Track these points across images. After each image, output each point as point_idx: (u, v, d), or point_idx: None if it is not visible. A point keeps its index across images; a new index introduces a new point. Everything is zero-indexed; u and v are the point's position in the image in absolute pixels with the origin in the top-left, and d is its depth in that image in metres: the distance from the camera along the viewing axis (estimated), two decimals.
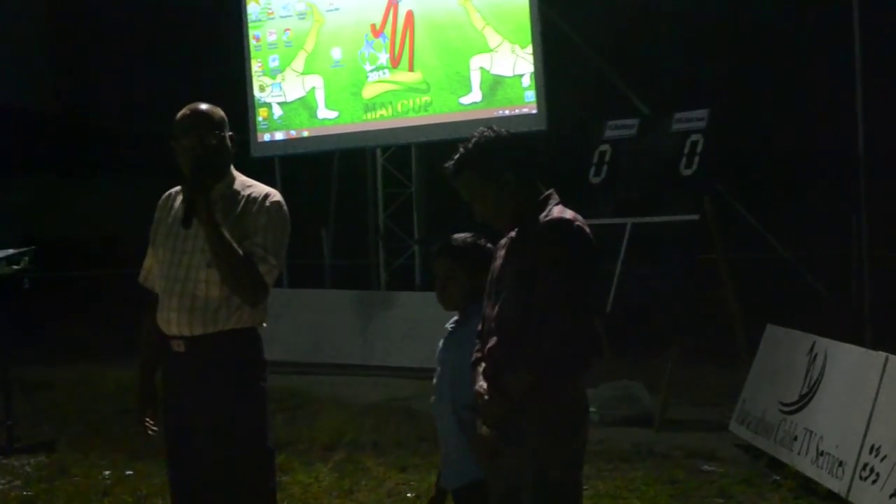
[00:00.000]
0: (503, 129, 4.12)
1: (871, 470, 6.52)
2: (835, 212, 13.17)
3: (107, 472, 8.24)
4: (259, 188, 4.49)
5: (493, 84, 12.84)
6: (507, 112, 12.67)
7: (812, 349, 7.86)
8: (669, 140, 9.93)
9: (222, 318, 4.34)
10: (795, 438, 7.62)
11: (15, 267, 8.98)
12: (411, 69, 13.52)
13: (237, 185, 4.47)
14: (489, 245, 4.37)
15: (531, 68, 12.51)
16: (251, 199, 4.42)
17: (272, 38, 14.64)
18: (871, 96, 10.77)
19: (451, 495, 4.56)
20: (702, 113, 9.78)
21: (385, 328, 13.37)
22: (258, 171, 5.09)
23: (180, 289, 4.36)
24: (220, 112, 4.49)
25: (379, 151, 14.76)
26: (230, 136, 4.51)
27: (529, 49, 12.49)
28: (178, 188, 4.54)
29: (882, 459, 6.45)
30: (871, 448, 6.61)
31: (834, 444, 7.07)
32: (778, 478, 7.54)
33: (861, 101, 10.69)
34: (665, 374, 9.49)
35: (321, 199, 16.02)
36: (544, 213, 3.94)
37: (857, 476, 6.65)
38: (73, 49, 21.76)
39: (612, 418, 9.57)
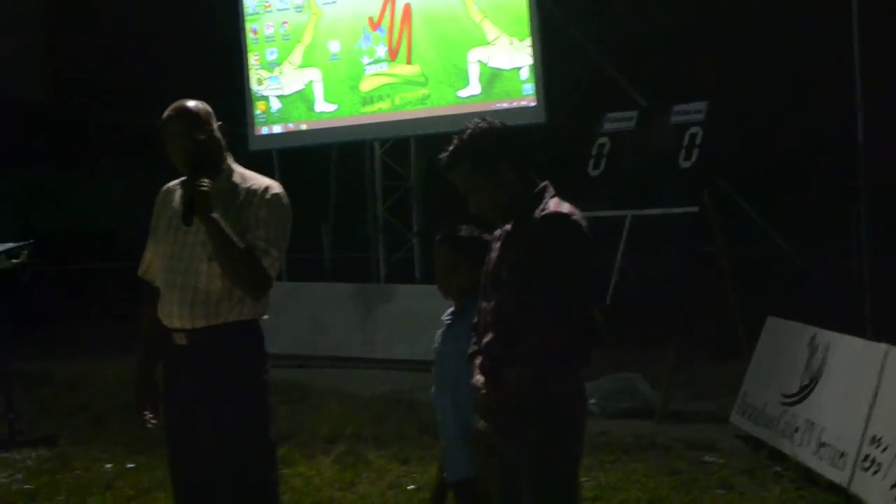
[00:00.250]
0: (497, 121, 4.10)
1: (873, 461, 6.53)
2: (835, 203, 13.16)
3: (108, 466, 8.25)
4: (259, 180, 4.49)
5: (492, 77, 12.82)
6: (505, 105, 12.64)
7: (813, 341, 7.87)
8: (668, 132, 9.94)
9: (224, 310, 4.34)
10: (796, 430, 7.62)
11: (14, 261, 8.98)
12: (409, 62, 13.50)
13: (236, 178, 4.47)
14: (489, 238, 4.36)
15: (529, 61, 12.48)
16: (251, 192, 4.41)
17: (269, 32, 14.61)
18: (871, 88, 10.76)
19: (452, 488, 4.56)
20: (700, 105, 9.79)
21: (385, 321, 13.37)
22: (256, 164, 5.08)
23: (182, 282, 4.36)
24: (205, 107, 4.49)
25: (377, 144, 14.73)
26: (219, 127, 4.51)
27: (528, 42, 12.46)
28: (176, 182, 4.54)
29: (883, 450, 6.46)
30: (873, 439, 6.62)
31: (835, 436, 7.08)
32: (779, 469, 7.55)
33: (861, 92, 10.67)
34: (666, 367, 9.50)
35: (320, 193, 15.99)
36: (540, 207, 3.93)
37: (858, 467, 6.66)
38: (71, 42, 21.71)
39: (613, 410, 9.58)
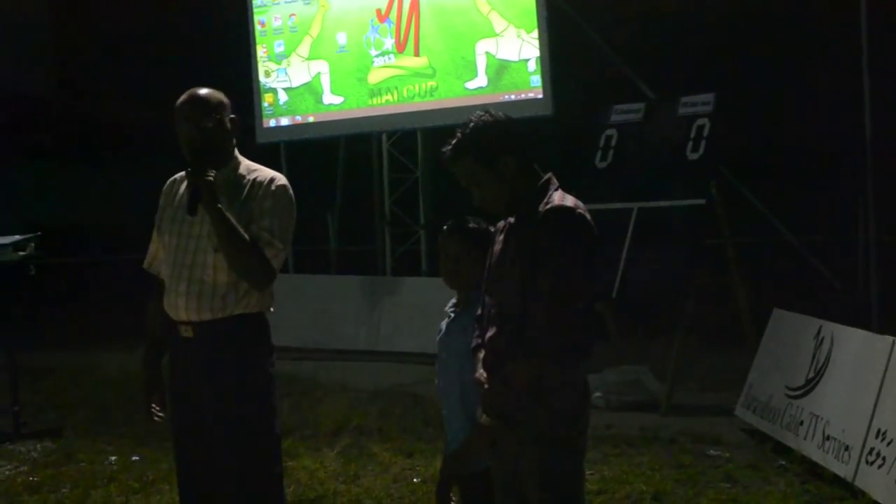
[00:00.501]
0: (500, 113, 4.05)
1: (878, 454, 6.51)
2: (842, 196, 13.14)
3: (113, 458, 8.25)
4: (264, 172, 4.49)
5: (499, 69, 12.80)
6: (512, 97, 12.64)
7: (819, 333, 7.85)
8: (676, 124, 9.91)
9: (230, 303, 4.34)
10: (801, 423, 7.61)
11: (21, 253, 8.97)
12: (417, 54, 13.49)
13: (242, 170, 4.47)
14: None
15: (537, 53, 12.46)
16: (257, 184, 4.41)
17: (277, 24, 14.61)
18: (879, 80, 10.72)
19: (458, 481, 4.55)
20: (708, 97, 9.76)
21: (391, 314, 13.37)
22: (264, 156, 5.08)
23: (188, 274, 4.36)
24: (218, 96, 4.47)
25: (385, 137, 14.73)
26: (232, 119, 4.49)
27: (535, 34, 12.44)
28: (182, 174, 4.53)
29: (888, 444, 6.45)
30: (878, 432, 6.61)
31: (840, 429, 7.06)
32: (784, 462, 7.53)
33: (869, 84, 10.64)
34: (671, 359, 9.48)
35: (327, 185, 15.99)
36: (545, 200, 3.90)
37: (863, 460, 6.64)
38: (76, 35, 21.73)
39: (619, 403, 9.57)
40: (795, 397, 7.85)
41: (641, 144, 10.23)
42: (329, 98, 14.25)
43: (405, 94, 13.61)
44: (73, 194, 19.70)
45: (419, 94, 13.50)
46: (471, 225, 4.53)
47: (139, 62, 20.31)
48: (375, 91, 13.85)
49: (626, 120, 10.47)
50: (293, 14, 14.46)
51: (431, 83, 13.40)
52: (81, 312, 15.65)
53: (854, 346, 7.42)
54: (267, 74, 14.72)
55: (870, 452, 6.60)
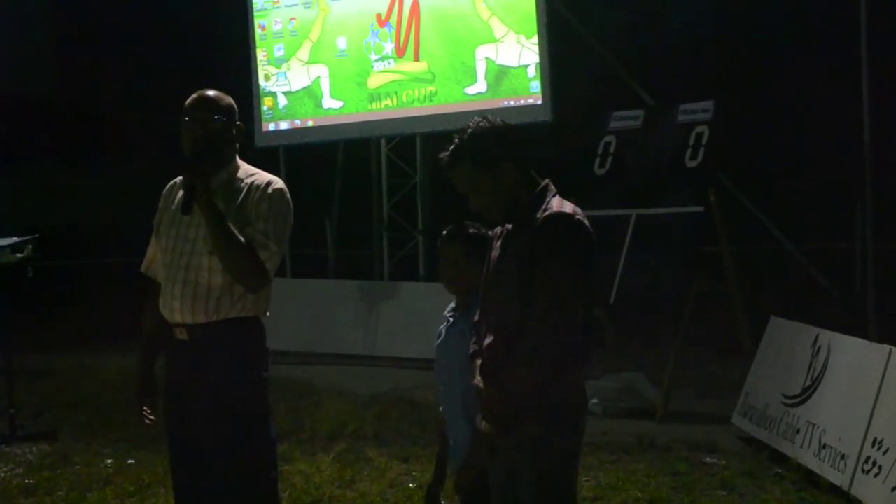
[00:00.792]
0: (498, 119, 4.05)
1: (874, 463, 6.51)
2: (839, 204, 13.14)
3: (109, 461, 8.26)
4: (262, 176, 4.49)
5: (499, 74, 12.81)
6: (512, 102, 12.64)
7: (815, 342, 7.85)
8: (674, 131, 9.91)
9: (225, 306, 4.33)
10: (798, 431, 7.61)
11: (19, 255, 8.97)
12: (416, 59, 13.50)
13: (240, 174, 4.47)
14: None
15: (537, 59, 12.47)
16: (254, 187, 4.41)
17: (277, 27, 14.62)
18: (877, 87, 10.73)
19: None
20: (707, 104, 9.75)
21: (388, 318, 13.37)
22: (262, 160, 5.08)
23: (183, 276, 4.36)
24: (228, 99, 4.48)
25: (384, 141, 14.73)
26: (238, 125, 4.51)
27: (535, 39, 12.46)
28: (182, 177, 4.53)
29: (884, 453, 6.44)
30: (874, 441, 6.60)
31: (836, 437, 7.06)
32: (780, 471, 7.53)
33: (867, 91, 10.64)
34: (668, 366, 9.48)
35: (325, 189, 15.99)
36: (543, 207, 3.90)
37: (859, 469, 6.64)
38: (77, 37, 21.75)
39: (615, 410, 9.57)
40: (792, 405, 7.85)
41: (640, 151, 10.24)
42: (328, 102, 14.25)
43: (404, 98, 13.62)
44: (72, 196, 19.70)
45: (418, 99, 13.51)
46: (470, 230, 4.54)
47: (139, 64, 20.31)
48: (375, 96, 13.86)
49: (625, 127, 10.47)
50: (293, 18, 14.47)
51: (431, 88, 13.41)
52: (79, 314, 15.64)
53: (851, 354, 7.41)
54: (266, 78, 14.72)
55: (866, 461, 6.60)
